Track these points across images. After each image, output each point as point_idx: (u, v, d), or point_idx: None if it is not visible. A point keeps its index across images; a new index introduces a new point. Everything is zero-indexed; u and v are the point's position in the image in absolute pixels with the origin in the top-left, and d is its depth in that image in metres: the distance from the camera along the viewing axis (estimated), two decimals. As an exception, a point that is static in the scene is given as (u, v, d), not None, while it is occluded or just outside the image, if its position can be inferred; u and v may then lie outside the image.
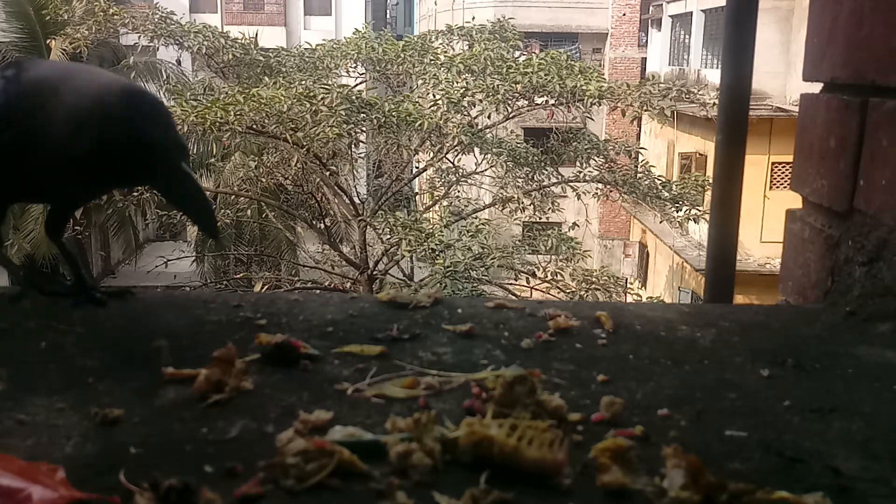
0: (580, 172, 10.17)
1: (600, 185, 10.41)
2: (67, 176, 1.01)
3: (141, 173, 1.02)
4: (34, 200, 1.16)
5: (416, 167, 11.94)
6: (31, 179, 1.04)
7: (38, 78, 1.05)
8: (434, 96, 9.19)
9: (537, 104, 9.65)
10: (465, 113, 9.19)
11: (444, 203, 10.58)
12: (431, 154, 10.06)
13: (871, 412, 0.84)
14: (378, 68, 10.37)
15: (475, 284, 8.97)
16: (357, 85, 10.55)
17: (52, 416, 0.78)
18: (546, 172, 10.01)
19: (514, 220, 10.59)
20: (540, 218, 10.28)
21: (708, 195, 7.95)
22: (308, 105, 8.38)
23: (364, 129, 9.39)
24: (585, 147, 10.07)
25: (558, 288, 9.54)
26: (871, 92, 1.13)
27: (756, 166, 11.01)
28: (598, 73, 9.86)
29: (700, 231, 11.32)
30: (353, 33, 10.77)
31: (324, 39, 11.45)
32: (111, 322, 1.04)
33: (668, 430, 0.79)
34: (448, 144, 9.57)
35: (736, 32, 2.05)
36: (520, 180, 10.11)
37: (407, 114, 8.85)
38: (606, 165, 10.13)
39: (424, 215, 10.04)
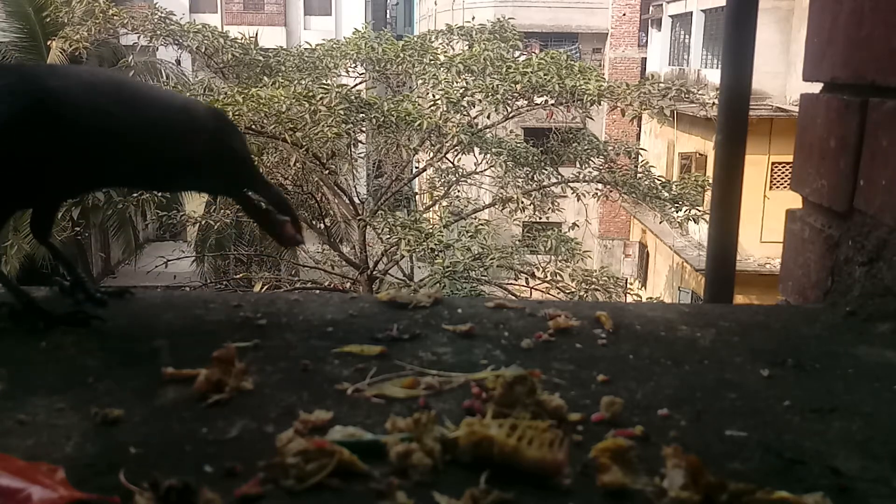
0: (580, 173, 10.17)
1: (600, 186, 10.40)
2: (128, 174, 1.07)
3: (223, 183, 1.09)
4: (31, 205, 1.13)
5: (416, 167, 11.92)
6: (51, 186, 1.03)
7: (70, 86, 0.99)
8: (434, 96, 9.18)
9: (537, 104, 9.64)
10: (465, 113, 9.18)
11: (444, 203, 10.58)
12: (431, 154, 10.05)
13: (871, 412, 0.84)
14: (378, 68, 10.36)
15: (475, 284, 8.97)
16: (357, 85, 10.54)
17: (52, 416, 0.78)
18: (546, 172, 10.01)
19: (514, 220, 10.58)
20: (540, 218, 10.27)
21: (708, 195, 7.95)
22: (307, 105, 8.37)
23: (363, 128, 9.38)
24: (585, 147, 10.07)
25: (558, 288, 9.53)
26: (871, 92, 1.13)
27: (756, 166, 11.01)
28: (598, 73, 9.85)
29: (700, 231, 11.31)
30: (353, 33, 10.76)
31: (324, 39, 11.44)
32: (111, 322, 1.04)
33: (668, 430, 0.79)
34: (448, 144, 9.57)
35: (736, 32, 2.05)
36: (520, 180, 10.10)
37: (406, 113, 8.85)
38: (606, 166, 10.13)
39: (424, 215, 10.02)
